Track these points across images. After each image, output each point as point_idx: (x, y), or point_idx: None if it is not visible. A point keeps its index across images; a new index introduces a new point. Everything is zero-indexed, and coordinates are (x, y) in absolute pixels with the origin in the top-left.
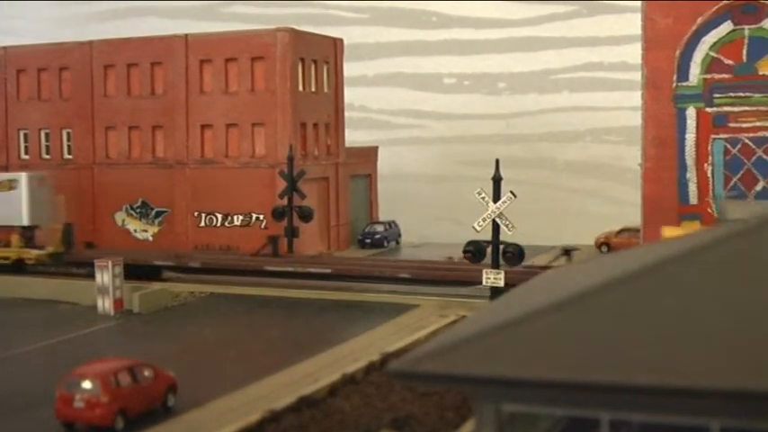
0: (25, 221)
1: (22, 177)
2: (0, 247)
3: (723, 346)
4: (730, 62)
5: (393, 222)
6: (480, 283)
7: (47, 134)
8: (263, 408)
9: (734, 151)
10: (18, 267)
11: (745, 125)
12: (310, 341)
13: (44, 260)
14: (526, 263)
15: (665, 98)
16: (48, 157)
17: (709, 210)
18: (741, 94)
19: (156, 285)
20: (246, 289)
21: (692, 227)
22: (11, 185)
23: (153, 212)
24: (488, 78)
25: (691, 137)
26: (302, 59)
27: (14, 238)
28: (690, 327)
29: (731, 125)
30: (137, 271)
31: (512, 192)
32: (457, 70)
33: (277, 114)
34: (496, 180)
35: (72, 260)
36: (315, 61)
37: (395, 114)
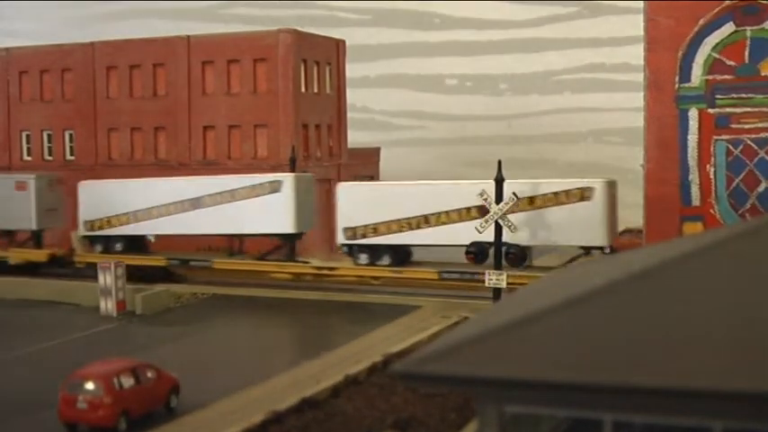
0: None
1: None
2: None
3: (727, 348)
4: (732, 63)
5: None
6: None
7: (49, 135)
8: (265, 409)
9: (736, 152)
10: None
11: (747, 126)
12: (312, 342)
13: None
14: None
15: (667, 99)
16: (50, 158)
17: (711, 211)
18: (743, 96)
19: (159, 287)
20: (249, 290)
21: (695, 228)
22: (578, 197)
23: None
24: (490, 79)
25: (693, 138)
26: (304, 61)
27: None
28: (693, 328)
29: (733, 126)
30: None
31: (514, 193)
32: (459, 71)
33: (279, 116)
34: (499, 181)
35: None
36: (317, 62)
37: (397, 115)
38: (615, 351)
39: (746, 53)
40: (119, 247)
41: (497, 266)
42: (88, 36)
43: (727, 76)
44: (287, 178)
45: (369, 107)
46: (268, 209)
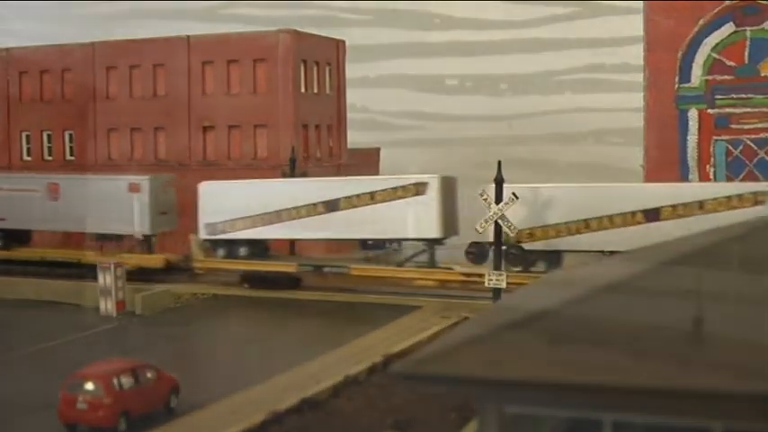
0: None
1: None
2: None
3: (727, 348)
4: (732, 63)
5: None
6: None
7: (49, 135)
8: (265, 409)
9: (736, 153)
10: None
11: (746, 126)
12: (312, 342)
13: None
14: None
15: (666, 99)
16: (50, 158)
17: None
18: (743, 96)
19: (159, 287)
20: (248, 291)
21: None
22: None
23: None
24: (490, 80)
25: (692, 138)
26: (304, 61)
27: None
28: (693, 328)
29: (733, 126)
30: None
31: (513, 193)
32: (459, 71)
33: (279, 116)
34: (498, 182)
35: None
36: (317, 63)
37: (397, 116)
38: (615, 351)
39: (746, 53)
40: (243, 251)
41: (497, 267)
42: (88, 36)
43: (726, 77)
44: (432, 180)
45: (369, 107)
46: (411, 212)
